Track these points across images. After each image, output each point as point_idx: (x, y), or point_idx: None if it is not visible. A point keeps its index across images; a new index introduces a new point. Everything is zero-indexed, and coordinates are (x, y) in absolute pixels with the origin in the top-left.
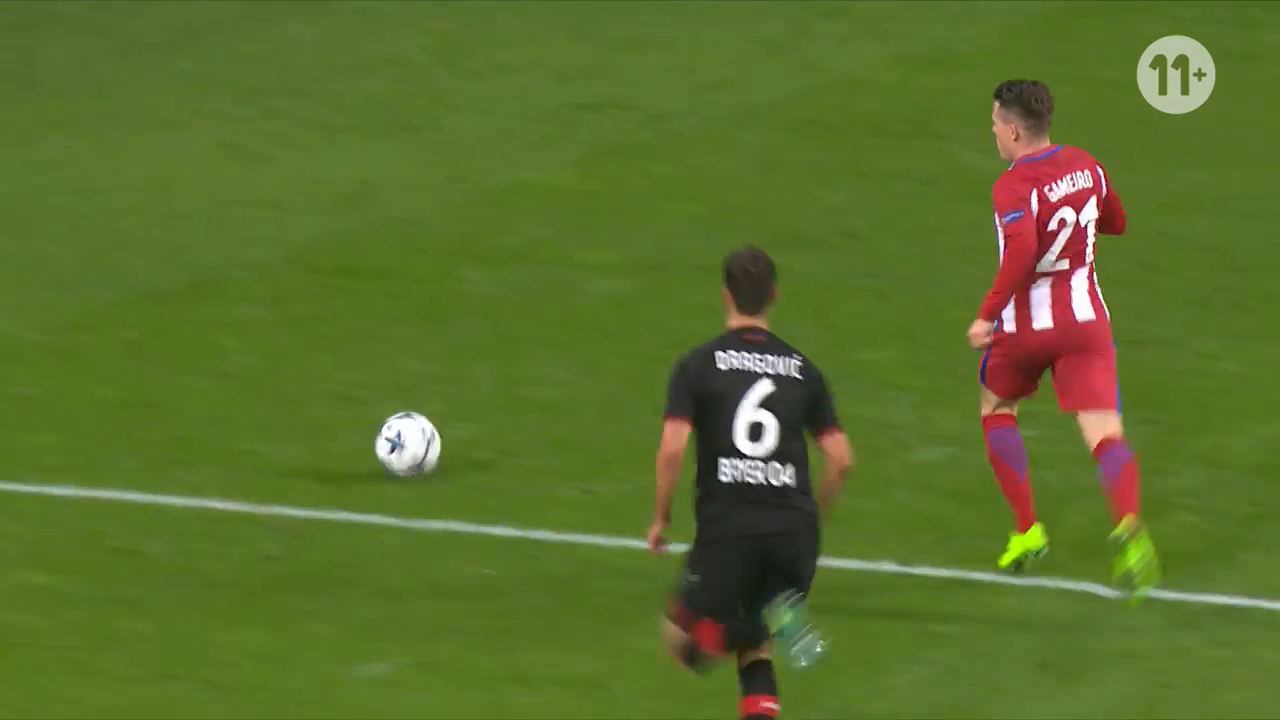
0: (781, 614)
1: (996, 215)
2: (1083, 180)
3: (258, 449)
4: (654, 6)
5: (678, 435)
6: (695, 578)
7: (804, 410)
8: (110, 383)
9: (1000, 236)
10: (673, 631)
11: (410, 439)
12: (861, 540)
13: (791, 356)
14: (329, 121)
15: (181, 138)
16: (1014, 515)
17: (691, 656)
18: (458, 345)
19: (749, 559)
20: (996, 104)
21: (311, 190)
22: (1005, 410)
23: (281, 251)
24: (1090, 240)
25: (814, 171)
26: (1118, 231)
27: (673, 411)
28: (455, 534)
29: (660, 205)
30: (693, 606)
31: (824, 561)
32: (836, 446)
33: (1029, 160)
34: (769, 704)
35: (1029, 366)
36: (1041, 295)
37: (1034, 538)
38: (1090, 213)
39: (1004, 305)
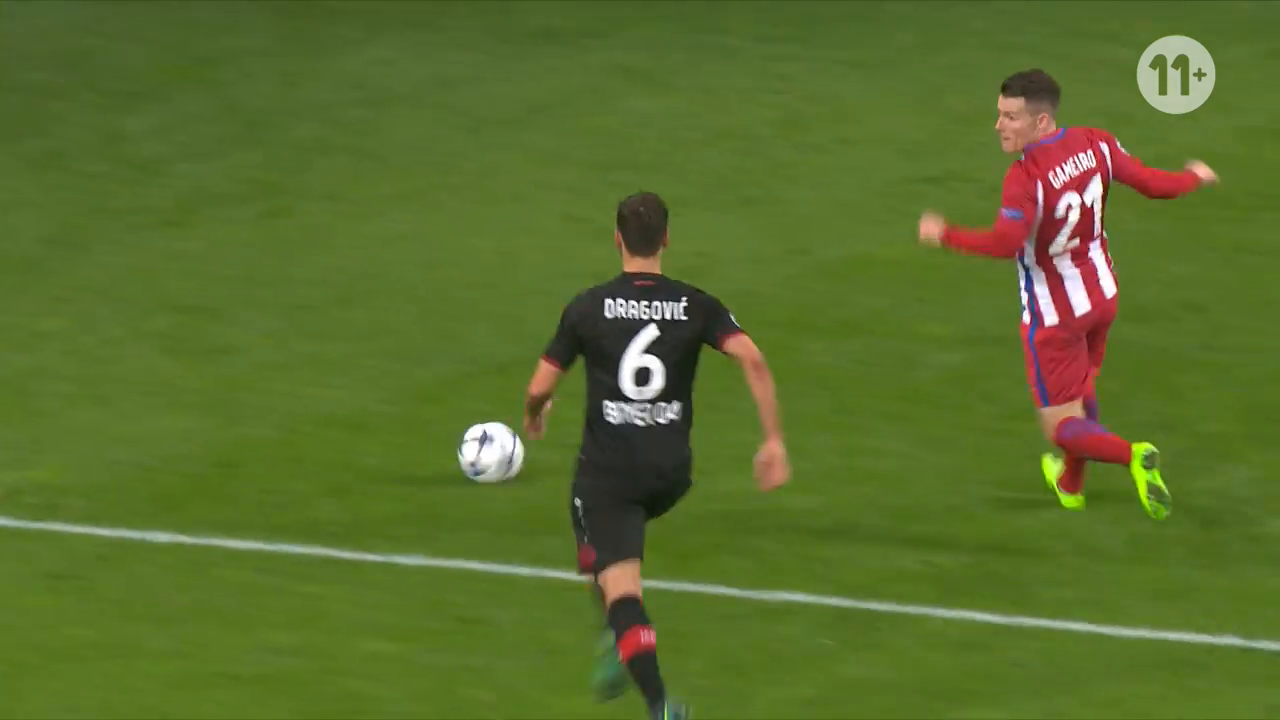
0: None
1: (1002, 201)
2: (1086, 161)
3: None
4: (996, 79)
5: (545, 377)
6: (589, 526)
7: (693, 343)
8: (456, 453)
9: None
10: (603, 579)
11: (499, 442)
12: (1203, 613)
13: (679, 300)
14: (671, 194)
15: (526, 211)
16: (1117, 459)
17: (612, 618)
18: (798, 417)
19: (632, 489)
20: (1020, 99)
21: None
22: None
23: None
24: (1099, 216)
25: (1156, 244)
26: (1162, 191)
27: (547, 352)
28: (796, 604)
29: (998, 277)
30: (603, 551)
31: (1162, 634)
32: (739, 345)
33: (1038, 146)
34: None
35: (1079, 347)
36: (1074, 280)
37: (1140, 448)
38: (1095, 191)
39: (957, 245)
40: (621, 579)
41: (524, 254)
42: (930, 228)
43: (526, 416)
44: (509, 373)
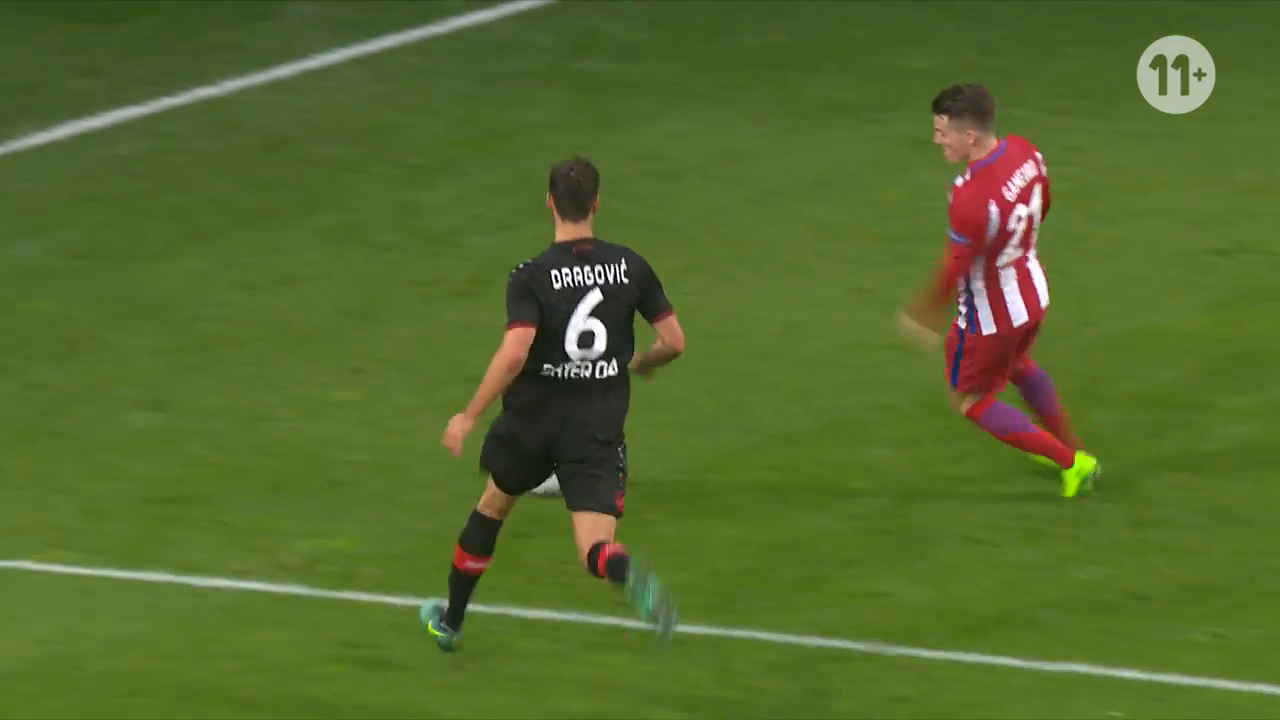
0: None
1: (950, 224)
2: (1030, 171)
3: (887, 589)
4: None
5: (522, 340)
6: (494, 443)
7: (632, 307)
8: (743, 523)
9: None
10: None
11: None
12: None
13: (619, 262)
14: None
15: (813, 283)
16: (1054, 460)
17: (465, 530)
18: None
19: (545, 445)
20: (944, 117)
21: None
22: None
23: (910, 395)
24: (1037, 225)
25: None
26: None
27: (517, 317)
28: (1083, 676)
29: None
30: (487, 464)
31: None
32: (668, 329)
33: (983, 164)
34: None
35: (1006, 356)
36: (1012, 290)
37: (1084, 463)
38: (1038, 200)
39: (934, 311)
40: (493, 501)
41: (810, 325)
42: (906, 325)
43: (483, 405)
44: (796, 443)
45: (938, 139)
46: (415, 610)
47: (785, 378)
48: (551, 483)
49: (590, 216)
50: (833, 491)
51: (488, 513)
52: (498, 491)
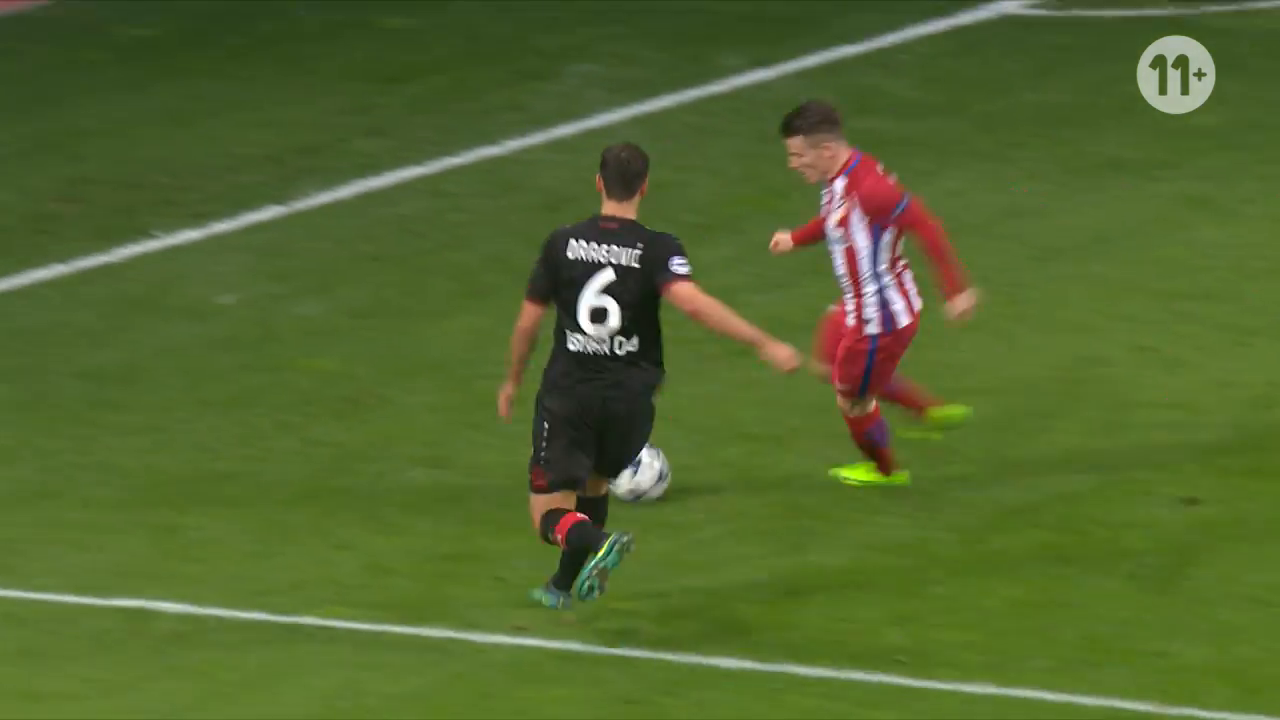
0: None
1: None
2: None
3: (1167, 649)
4: None
5: (527, 313)
6: (543, 444)
7: (644, 287)
8: (1023, 582)
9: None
10: (536, 502)
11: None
12: None
13: (635, 246)
14: (1240, 324)
15: (1093, 341)
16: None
17: (545, 526)
18: None
19: (585, 418)
20: (798, 137)
21: (1222, 393)
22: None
23: (1191, 453)
24: None
25: None
26: None
27: (528, 293)
28: None
29: None
30: (545, 470)
31: None
32: (676, 295)
33: (857, 160)
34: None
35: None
36: (908, 280)
37: (956, 412)
38: None
39: (958, 272)
40: (553, 501)
41: (1091, 384)
42: (966, 305)
43: (514, 370)
44: (1076, 501)
45: (794, 163)
46: (695, 668)
47: (1065, 436)
48: (629, 483)
49: (635, 199)
50: (1113, 550)
51: (554, 507)
52: (559, 496)
